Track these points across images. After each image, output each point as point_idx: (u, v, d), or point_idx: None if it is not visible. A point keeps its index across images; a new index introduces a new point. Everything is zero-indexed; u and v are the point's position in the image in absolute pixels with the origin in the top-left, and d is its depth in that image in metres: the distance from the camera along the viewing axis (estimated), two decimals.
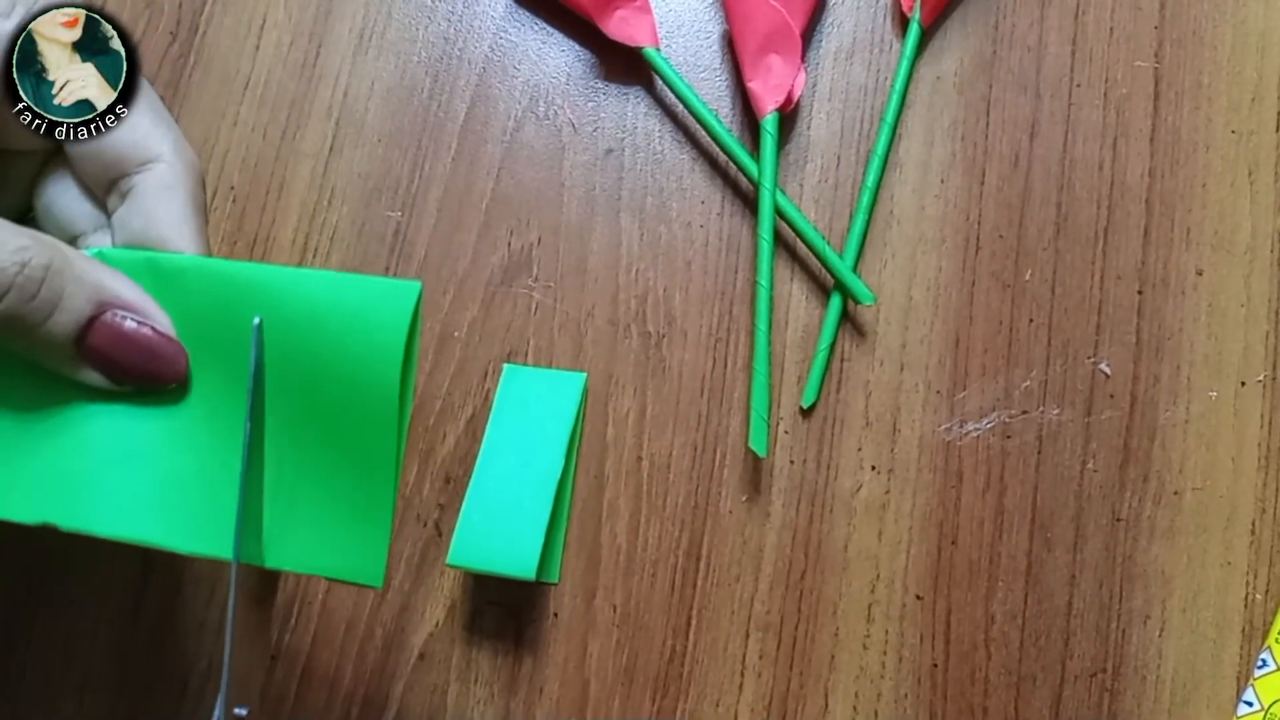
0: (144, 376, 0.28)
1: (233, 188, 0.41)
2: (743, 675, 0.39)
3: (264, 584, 0.29)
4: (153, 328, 0.28)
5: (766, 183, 0.40)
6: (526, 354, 0.41)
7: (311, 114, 0.42)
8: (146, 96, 0.31)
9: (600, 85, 0.43)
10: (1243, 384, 0.41)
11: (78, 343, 0.27)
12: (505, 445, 0.38)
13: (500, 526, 0.37)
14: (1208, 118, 0.43)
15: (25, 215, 0.33)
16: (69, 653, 0.38)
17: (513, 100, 0.42)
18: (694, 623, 0.39)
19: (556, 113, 0.42)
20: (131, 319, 0.28)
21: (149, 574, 0.39)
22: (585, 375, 0.40)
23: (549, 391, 0.39)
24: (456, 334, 0.41)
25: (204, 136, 0.42)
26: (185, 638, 0.39)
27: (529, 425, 0.38)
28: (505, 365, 0.40)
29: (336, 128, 0.42)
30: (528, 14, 0.43)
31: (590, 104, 0.42)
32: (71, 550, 0.39)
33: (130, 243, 0.30)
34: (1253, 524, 0.40)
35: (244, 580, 0.27)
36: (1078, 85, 0.43)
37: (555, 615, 0.39)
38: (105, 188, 0.31)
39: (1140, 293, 0.41)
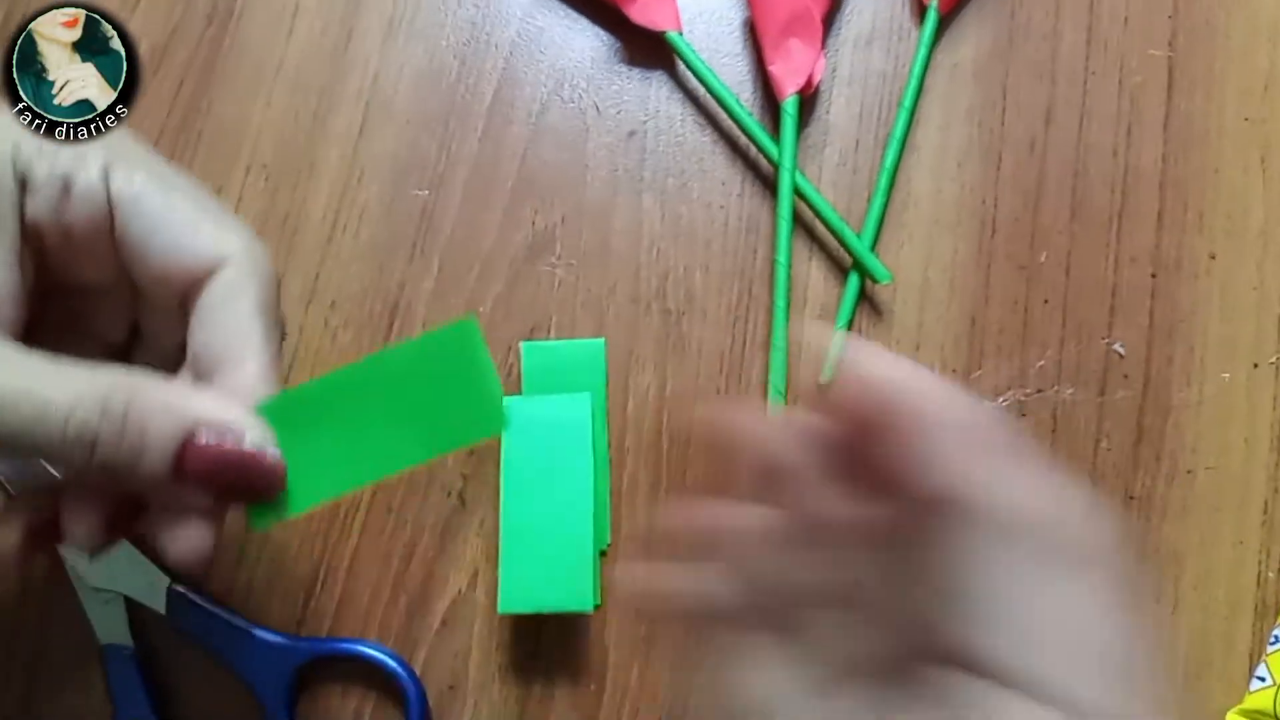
0: (242, 494, 0.27)
1: (265, 166, 0.43)
2: None
3: None
4: (241, 446, 0.26)
5: (786, 163, 0.41)
6: (550, 330, 0.41)
7: (342, 97, 0.43)
8: (192, 196, 0.29)
9: (623, 69, 0.44)
10: (1255, 366, 0.41)
11: (175, 474, 0.26)
12: (525, 479, 0.38)
13: (545, 564, 0.37)
14: (1220, 105, 0.43)
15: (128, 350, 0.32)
16: None
17: (538, 84, 0.43)
18: None
19: (581, 96, 0.43)
20: (219, 440, 0.26)
21: None
22: (590, 395, 0.39)
23: (557, 416, 0.38)
24: (481, 310, 0.41)
25: (238, 116, 0.43)
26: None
27: (544, 454, 0.38)
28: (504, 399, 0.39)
29: (366, 110, 0.43)
30: (553, 0, 0.44)
31: (614, 87, 0.43)
32: None
33: (200, 359, 0.28)
34: (1265, 504, 0.40)
35: None
36: (1093, 73, 0.44)
37: None
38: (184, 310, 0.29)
39: (1154, 276, 0.42)
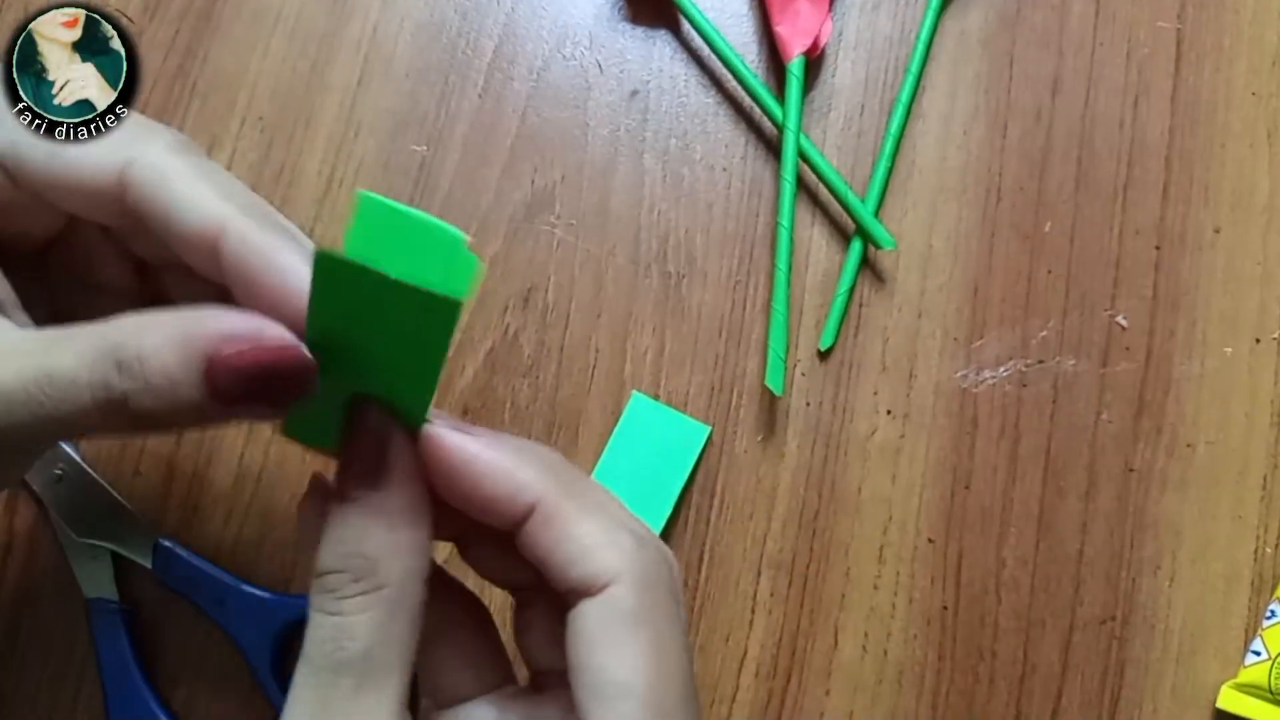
0: (284, 390, 0.25)
1: (261, 118, 0.42)
2: (753, 611, 0.39)
3: None
4: (263, 345, 0.24)
5: (791, 125, 0.40)
6: (547, 290, 0.41)
7: (341, 48, 0.43)
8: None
9: (627, 27, 0.43)
10: (1257, 341, 0.41)
11: (214, 397, 0.24)
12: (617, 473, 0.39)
13: None
14: (1228, 79, 0.43)
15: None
16: None
17: (540, 40, 0.43)
18: (706, 559, 0.39)
19: (583, 54, 0.43)
20: (240, 347, 0.24)
21: None
22: (708, 429, 0.40)
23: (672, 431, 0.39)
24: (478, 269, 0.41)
25: (235, 66, 0.42)
26: None
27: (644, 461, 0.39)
28: (633, 393, 0.40)
29: (365, 62, 0.43)
30: None
31: (617, 46, 0.43)
32: None
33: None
34: (1264, 479, 0.40)
35: None
36: (1100, 44, 0.43)
37: None
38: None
39: (1158, 248, 0.42)
